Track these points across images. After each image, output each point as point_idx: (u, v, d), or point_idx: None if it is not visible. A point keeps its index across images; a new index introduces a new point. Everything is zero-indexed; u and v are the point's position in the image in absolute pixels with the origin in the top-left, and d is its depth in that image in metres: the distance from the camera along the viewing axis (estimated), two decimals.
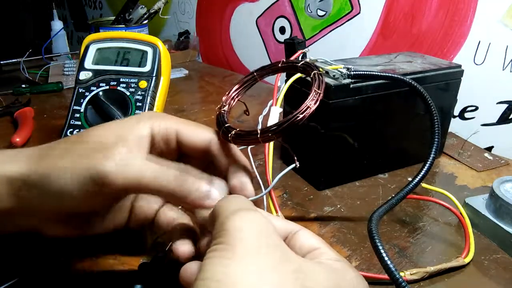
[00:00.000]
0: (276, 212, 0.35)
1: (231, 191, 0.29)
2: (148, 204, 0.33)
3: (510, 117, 0.66)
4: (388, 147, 0.54)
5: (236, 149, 0.30)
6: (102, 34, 0.53)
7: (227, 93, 0.33)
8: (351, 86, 0.45)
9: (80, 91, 0.49)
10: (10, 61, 0.97)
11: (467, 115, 0.71)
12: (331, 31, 0.88)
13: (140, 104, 0.48)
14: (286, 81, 0.42)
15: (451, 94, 0.55)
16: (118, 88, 0.48)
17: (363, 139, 0.50)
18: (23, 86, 0.84)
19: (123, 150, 0.26)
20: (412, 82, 0.39)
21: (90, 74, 0.50)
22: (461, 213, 0.43)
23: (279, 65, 0.33)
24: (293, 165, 0.29)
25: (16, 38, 2.30)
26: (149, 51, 0.50)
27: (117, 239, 0.38)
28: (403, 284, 0.27)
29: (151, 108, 0.48)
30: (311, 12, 0.90)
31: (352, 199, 0.49)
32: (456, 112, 0.71)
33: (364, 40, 0.82)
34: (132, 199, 0.34)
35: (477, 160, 0.59)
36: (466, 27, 0.68)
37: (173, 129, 0.29)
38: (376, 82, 0.47)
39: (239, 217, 0.22)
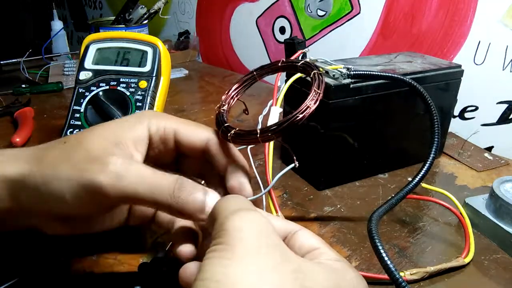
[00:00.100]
0: (276, 212, 0.35)
1: (229, 192, 0.29)
2: None
3: (510, 117, 0.66)
4: (388, 147, 0.54)
5: (234, 149, 0.30)
6: (102, 34, 0.53)
7: (226, 92, 0.33)
8: (351, 86, 0.45)
9: (80, 91, 0.49)
10: (10, 61, 0.97)
11: (467, 115, 0.71)
12: (331, 31, 0.88)
13: (140, 104, 0.48)
14: (286, 81, 0.42)
15: (451, 94, 0.55)
16: (118, 88, 0.48)
17: (363, 139, 0.50)
18: (23, 86, 0.84)
19: (118, 161, 0.25)
20: (412, 82, 0.39)
21: (90, 74, 0.50)
22: (461, 213, 0.43)
23: (279, 64, 0.33)
24: (293, 165, 0.29)
25: (16, 38, 2.30)
26: (149, 51, 0.50)
27: (117, 239, 0.38)
28: (403, 284, 0.27)
29: (151, 108, 0.48)
30: (311, 12, 0.90)
31: (352, 199, 0.49)
32: (456, 112, 0.71)
33: (364, 40, 0.82)
34: None
35: (477, 160, 0.59)
36: (466, 27, 0.68)
37: (171, 129, 0.29)
38: (376, 82, 0.47)
39: (239, 217, 0.22)
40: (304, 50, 0.46)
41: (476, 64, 0.67)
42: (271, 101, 0.37)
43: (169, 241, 0.38)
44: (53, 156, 0.27)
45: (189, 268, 0.25)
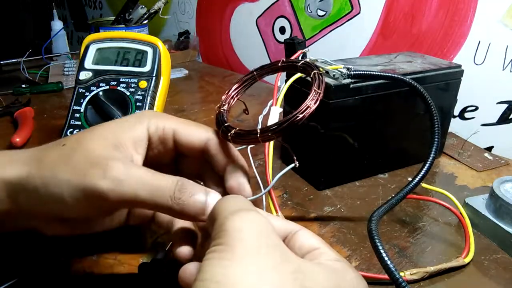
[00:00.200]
0: (276, 212, 0.34)
1: (228, 192, 0.29)
2: None
3: (510, 117, 0.66)
4: (388, 147, 0.54)
5: (234, 149, 0.30)
6: (102, 34, 0.53)
7: (226, 92, 0.33)
8: (351, 86, 0.45)
9: (80, 91, 0.49)
10: (10, 61, 0.97)
11: (467, 115, 0.71)
12: (331, 31, 0.88)
13: (140, 104, 0.48)
14: (286, 81, 0.42)
15: (451, 94, 0.55)
16: (118, 88, 0.48)
17: (363, 139, 0.50)
18: (23, 86, 0.84)
19: (118, 165, 0.25)
20: (412, 82, 0.39)
21: (90, 74, 0.50)
22: (461, 213, 0.43)
23: (279, 64, 0.33)
24: (293, 165, 0.29)
25: (16, 38, 2.30)
26: (149, 51, 0.50)
27: (117, 239, 0.38)
28: (403, 284, 0.27)
29: (151, 108, 0.48)
30: (311, 12, 0.90)
31: (352, 199, 0.49)
32: (456, 112, 0.71)
33: (364, 40, 0.82)
34: None
35: (477, 160, 0.59)
36: (466, 27, 0.68)
37: (170, 129, 0.29)
38: (376, 82, 0.47)
39: (239, 218, 0.22)
40: (304, 50, 0.46)
41: (476, 64, 0.67)
42: (271, 101, 0.37)
43: (169, 241, 0.38)
44: (52, 159, 0.27)
45: (189, 269, 0.25)
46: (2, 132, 0.65)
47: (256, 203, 0.28)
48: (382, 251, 0.28)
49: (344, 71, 0.42)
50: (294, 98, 0.40)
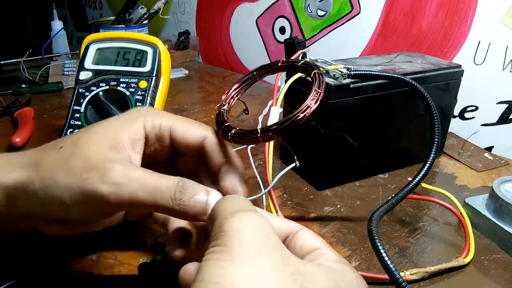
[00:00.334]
0: (276, 212, 0.34)
1: (222, 192, 0.29)
2: None
3: (510, 117, 0.66)
4: (388, 147, 0.54)
5: (230, 149, 0.30)
6: (102, 34, 0.53)
7: (226, 92, 0.33)
8: (351, 86, 0.45)
9: (80, 91, 0.49)
10: (10, 61, 0.97)
11: (467, 115, 0.71)
12: (331, 31, 0.88)
13: (140, 104, 0.48)
14: (286, 81, 0.42)
15: (451, 94, 0.55)
16: (118, 88, 0.48)
17: (363, 139, 0.50)
18: (23, 86, 0.84)
19: (118, 168, 0.25)
20: (412, 82, 0.39)
21: (90, 74, 0.50)
22: (461, 213, 0.43)
23: (279, 64, 0.33)
24: (293, 165, 0.29)
25: (16, 38, 2.30)
26: (149, 51, 0.50)
27: (117, 239, 0.38)
28: (403, 284, 0.27)
29: None
30: (311, 12, 0.90)
31: (352, 199, 0.49)
32: (456, 112, 0.71)
33: (364, 40, 0.82)
34: None
35: (477, 160, 0.59)
36: (466, 27, 0.68)
37: (167, 126, 0.29)
38: (376, 82, 0.47)
39: (238, 218, 0.22)
40: (304, 50, 0.46)
41: (476, 64, 0.67)
42: (271, 101, 0.37)
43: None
44: (50, 162, 0.26)
45: (189, 269, 0.25)
46: (2, 132, 0.65)
47: (256, 203, 0.28)
48: (382, 251, 0.28)
49: (344, 71, 0.42)
50: (294, 98, 0.40)
